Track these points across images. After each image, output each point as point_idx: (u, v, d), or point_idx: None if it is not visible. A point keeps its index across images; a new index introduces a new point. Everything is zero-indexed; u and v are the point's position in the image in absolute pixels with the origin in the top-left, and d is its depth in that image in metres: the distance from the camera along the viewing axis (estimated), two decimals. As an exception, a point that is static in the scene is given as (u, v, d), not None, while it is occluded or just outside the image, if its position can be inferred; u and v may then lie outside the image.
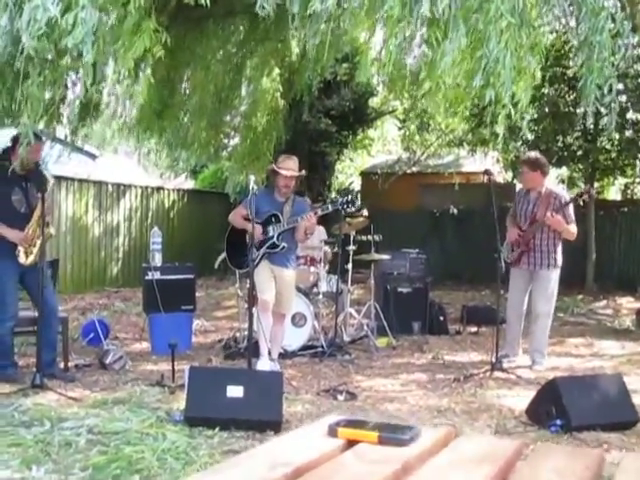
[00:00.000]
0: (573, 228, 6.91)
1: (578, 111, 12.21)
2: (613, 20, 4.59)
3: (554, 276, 6.95)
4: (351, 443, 2.67)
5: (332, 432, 2.70)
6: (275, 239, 6.29)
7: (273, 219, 6.32)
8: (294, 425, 4.66)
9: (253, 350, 5.82)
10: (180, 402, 4.95)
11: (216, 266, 7.92)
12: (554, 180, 15.60)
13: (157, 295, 7.24)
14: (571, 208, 6.91)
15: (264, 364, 6.19)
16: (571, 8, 5.11)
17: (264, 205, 6.26)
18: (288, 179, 6.36)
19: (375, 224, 8.51)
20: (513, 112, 4.55)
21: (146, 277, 7.41)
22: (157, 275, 7.38)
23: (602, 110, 13.33)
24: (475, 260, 13.18)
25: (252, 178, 5.90)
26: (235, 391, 4.53)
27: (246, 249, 6.24)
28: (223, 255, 6.95)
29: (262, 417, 4.47)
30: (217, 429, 4.40)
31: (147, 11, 4.57)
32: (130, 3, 4.33)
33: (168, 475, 3.70)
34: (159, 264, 7.57)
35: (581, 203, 7.07)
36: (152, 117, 9.74)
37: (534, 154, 7.42)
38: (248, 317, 5.68)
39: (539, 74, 4.73)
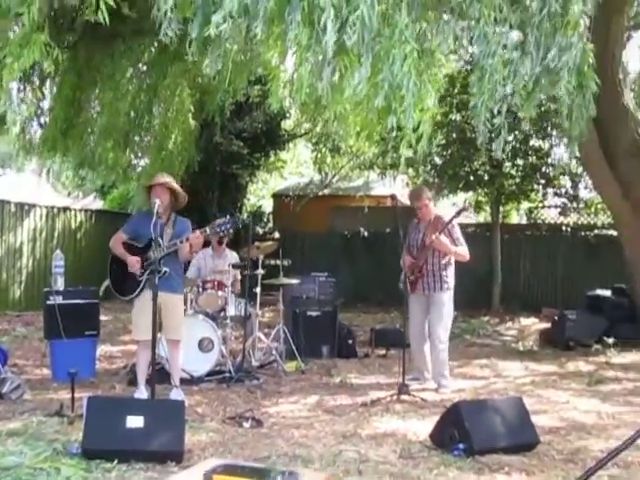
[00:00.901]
0: (462, 250, 7.07)
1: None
2: (505, 47, 4.76)
3: (447, 298, 7.09)
4: (226, 491, 2.58)
5: (207, 480, 2.61)
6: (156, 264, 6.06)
7: (153, 243, 6.03)
8: (196, 455, 4.56)
9: (157, 377, 5.68)
10: (79, 433, 4.73)
11: (100, 293, 7.60)
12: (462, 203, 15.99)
13: (59, 320, 7.00)
14: (458, 231, 7.11)
15: (140, 395, 6.07)
16: (470, 33, 5.24)
17: (145, 228, 5.95)
18: (159, 191, 6.13)
19: (287, 245, 8.49)
20: (414, 139, 4.63)
21: (47, 302, 7.17)
22: (59, 299, 7.15)
23: (509, 138, 13.81)
24: (384, 282, 13.29)
25: (157, 202, 5.75)
26: (135, 421, 4.40)
27: (129, 275, 6.17)
28: (107, 282, 6.67)
29: (163, 448, 4.36)
30: (116, 462, 4.25)
31: (40, 25, 4.46)
32: (23, 15, 4.21)
33: (60, 513, 3.55)
34: (61, 288, 7.34)
35: (455, 222, 7.20)
36: (57, 136, 9.52)
37: (420, 188, 7.74)
38: (152, 343, 5.52)
39: (433, 101, 4.83)
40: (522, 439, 4.89)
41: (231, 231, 6.45)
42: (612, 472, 4.39)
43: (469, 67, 12.18)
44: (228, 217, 6.28)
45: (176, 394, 6.16)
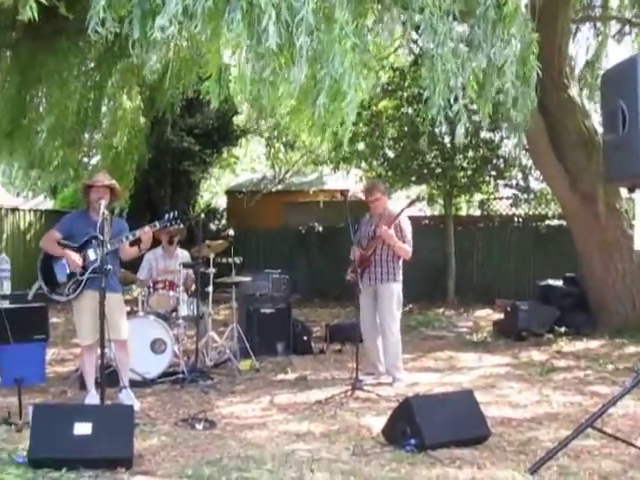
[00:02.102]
0: (406, 246, 7.06)
1: (436, 130, 12.60)
2: (452, 39, 4.81)
3: (396, 290, 7.10)
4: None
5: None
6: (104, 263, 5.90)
7: (93, 241, 5.95)
8: (147, 460, 4.51)
9: (108, 380, 5.60)
10: (27, 441, 4.65)
11: (30, 297, 7.26)
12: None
13: (6, 325, 6.85)
14: (408, 228, 7.11)
15: (92, 399, 5.95)
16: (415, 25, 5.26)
17: (81, 227, 5.95)
18: (100, 191, 6.01)
19: (241, 242, 8.40)
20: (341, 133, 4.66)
21: (-6, 306, 7.03)
22: (6, 304, 7.01)
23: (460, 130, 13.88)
24: (340, 277, 13.29)
25: (103, 202, 5.67)
26: (83, 428, 4.32)
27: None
28: (38, 284, 6.37)
29: (112, 454, 4.28)
30: (64, 470, 4.18)
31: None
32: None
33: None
34: (8, 292, 7.21)
35: (407, 220, 7.22)
36: (0, 139, 9.34)
37: (373, 182, 7.76)
38: (100, 346, 5.43)
39: (369, 95, 4.89)
40: (473, 432, 4.92)
41: (181, 226, 6.38)
42: (562, 462, 4.44)
43: (420, 60, 12.22)
44: (176, 212, 6.20)
45: (126, 396, 6.05)
